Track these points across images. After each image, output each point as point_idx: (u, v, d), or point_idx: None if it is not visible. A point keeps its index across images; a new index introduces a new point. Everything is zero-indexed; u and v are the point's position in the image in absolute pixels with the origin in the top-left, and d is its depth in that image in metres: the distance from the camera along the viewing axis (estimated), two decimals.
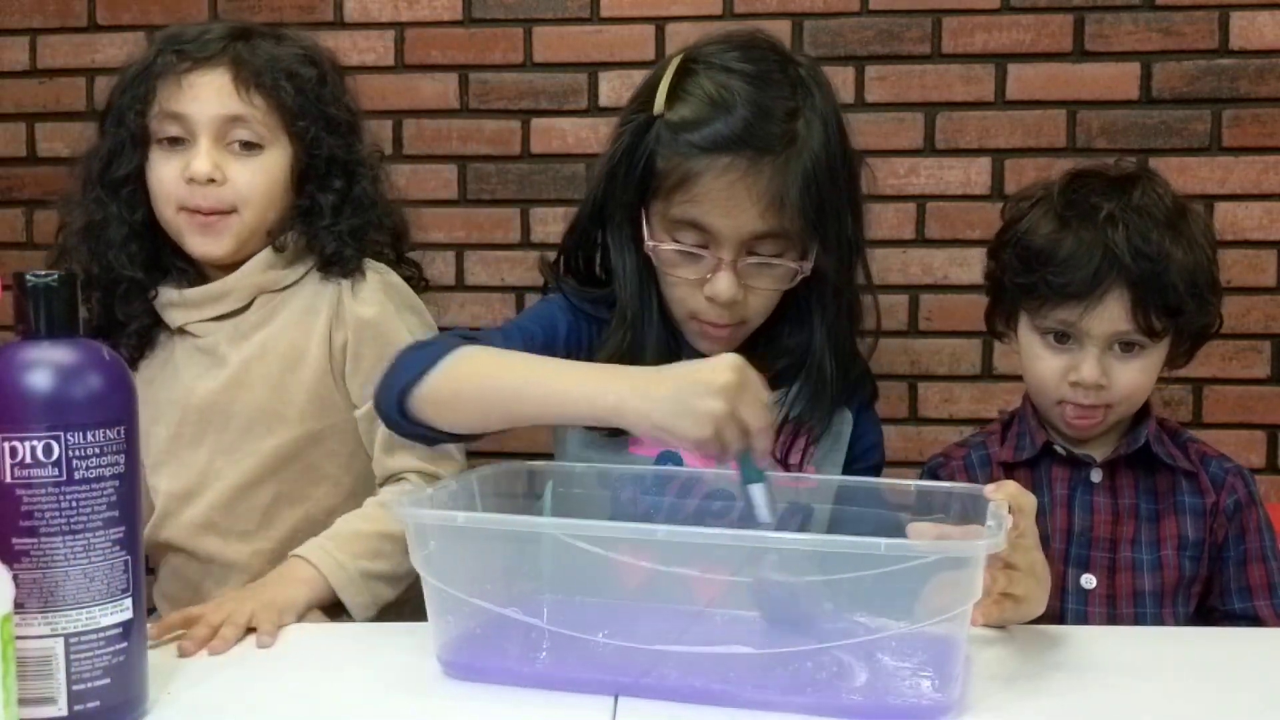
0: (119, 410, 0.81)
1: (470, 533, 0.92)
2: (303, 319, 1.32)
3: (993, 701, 0.89)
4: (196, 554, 1.32)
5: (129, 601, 0.82)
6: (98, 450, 0.79)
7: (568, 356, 1.21)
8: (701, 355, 1.24)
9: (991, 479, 1.08)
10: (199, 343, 1.33)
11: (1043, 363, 1.30)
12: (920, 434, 2.02)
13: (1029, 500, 0.98)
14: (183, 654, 0.98)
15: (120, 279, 1.31)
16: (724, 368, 0.95)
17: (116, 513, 0.80)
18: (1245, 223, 1.95)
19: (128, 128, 1.29)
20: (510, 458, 1.16)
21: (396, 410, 1.09)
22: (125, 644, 0.81)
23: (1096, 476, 1.33)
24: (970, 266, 1.95)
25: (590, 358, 1.20)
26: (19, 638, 0.76)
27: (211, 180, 1.27)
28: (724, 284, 1.15)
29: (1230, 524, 1.31)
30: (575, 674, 0.91)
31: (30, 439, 0.77)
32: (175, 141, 1.29)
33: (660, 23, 2.01)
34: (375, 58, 2.06)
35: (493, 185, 2.07)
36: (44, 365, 0.79)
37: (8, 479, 0.77)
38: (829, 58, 1.94)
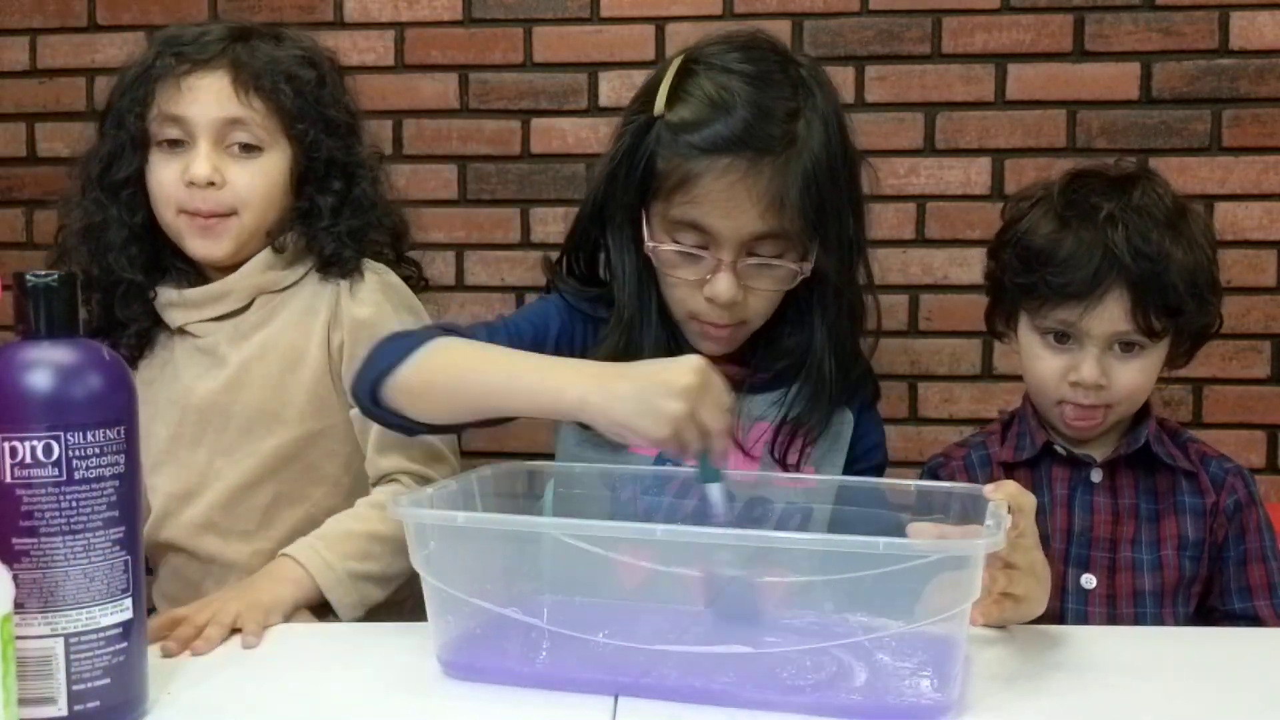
0: (119, 410, 0.81)
1: (470, 533, 0.92)
2: (302, 320, 1.32)
3: (992, 701, 0.89)
4: (197, 554, 1.32)
5: (129, 601, 0.82)
6: (98, 450, 0.79)
7: (557, 355, 1.21)
8: (704, 357, 1.24)
9: (991, 479, 1.08)
10: (199, 343, 1.33)
11: (1043, 363, 1.30)
12: (920, 434, 2.02)
13: (1028, 500, 0.98)
14: (166, 654, 0.98)
15: (120, 281, 1.31)
16: (686, 369, 0.96)
17: (116, 513, 0.80)
18: (1245, 223, 1.95)
19: (127, 130, 1.29)
20: (510, 458, 1.16)
21: (370, 399, 1.11)
22: (125, 644, 0.81)
23: (1096, 476, 1.33)
24: (970, 266, 1.95)
25: (585, 358, 1.20)
26: (19, 638, 0.76)
27: (211, 183, 1.27)
28: (724, 285, 1.15)
29: (1230, 524, 1.31)
30: (575, 674, 0.91)
31: (30, 439, 0.77)
32: (175, 144, 1.29)
33: (660, 23, 2.01)
34: (375, 58, 2.06)
35: (493, 185, 2.07)
36: (44, 365, 0.79)
37: (8, 479, 0.77)
38: (829, 58, 1.94)
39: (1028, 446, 1.35)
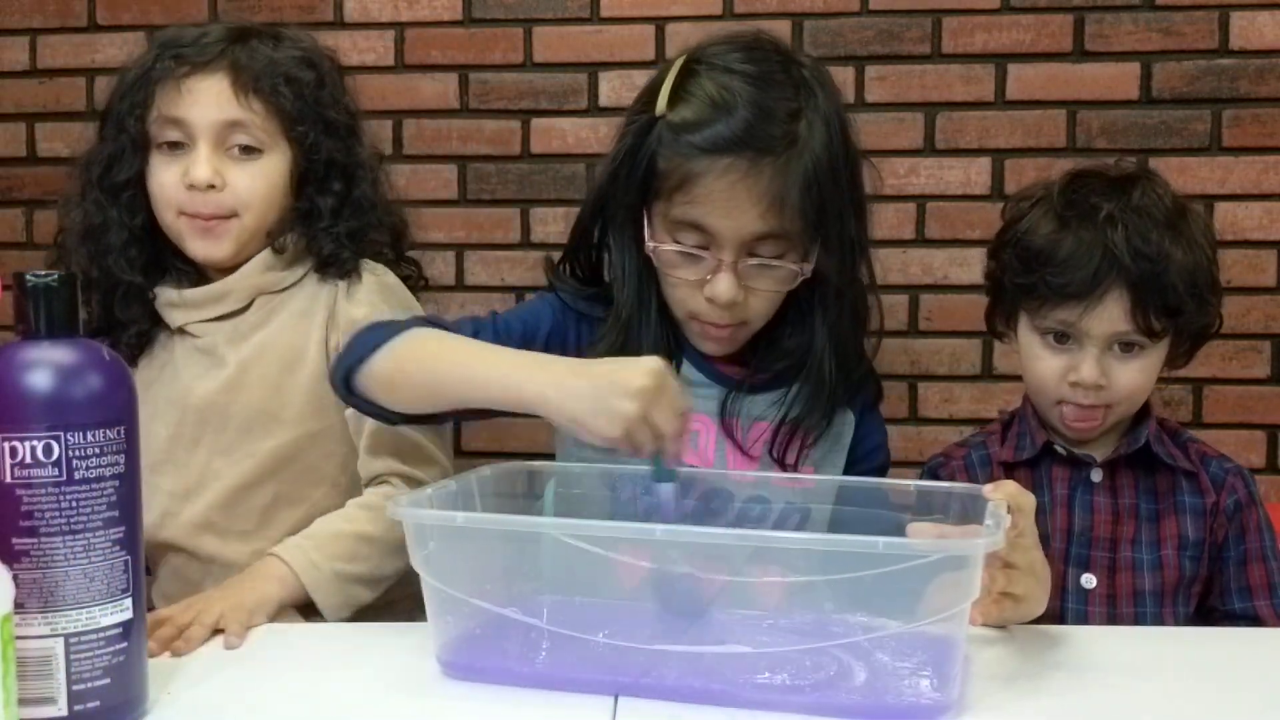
0: (119, 410, 0.81)
1: (470, 533, 0.92)
2: (301, 320, 1.32)
3: (992, 701, 0.89)
4: (196, 554, 1.32)
5: (129, 601, 0.82)
6: (98, 450, 0.79)
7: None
8: (703, 356, 1.25)
9: (992, 479, 1.08)
10: (198, 343, 1.33)
11: (1042, 363, 1.30)
12: (920, 434, 2.02)
13: (1028, 500, 0.98)
14: (148, 654, 0.98)
15: (119, 282, 1.32)
16: (642, 371, 0.97)
17: (116, 513, 0.80)
18: (1245, 223, 1.95)
19: (128, 133, 1.30)
20: (510, 458, 1.16)
21: (344, 386, 1.14)
22: (125, 644, 0.81)
23: (1097, 476, 1.33)
24: (970, 266, 1.95)
25: (581, 358, 1.20)
26: (19, 638, 0.76)
27: (211, 186, 1.28)
28: (724, 285, 1.15)
29: (1230, 524, 1.31)
30: (575, 674, 0.91)
31: (30, 439, 0.77)
32: (175, 146, 1.29)
33: (660, 23, 2.01)
34: (375, 58, 2.06)
35: (493, 185, 2.07)
36: (44, 365, 0.79)
37: (8, 479, 0.77)
38: (829, 58, 1.94)
39: (1028, 446, 1.35)
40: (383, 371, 1.11)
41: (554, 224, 2.04)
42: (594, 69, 2.02)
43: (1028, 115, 1.97)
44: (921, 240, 2.01)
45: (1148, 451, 1.31)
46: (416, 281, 1.45)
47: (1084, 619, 1.29)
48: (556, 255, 1.32)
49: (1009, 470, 1.35)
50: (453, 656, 0.94)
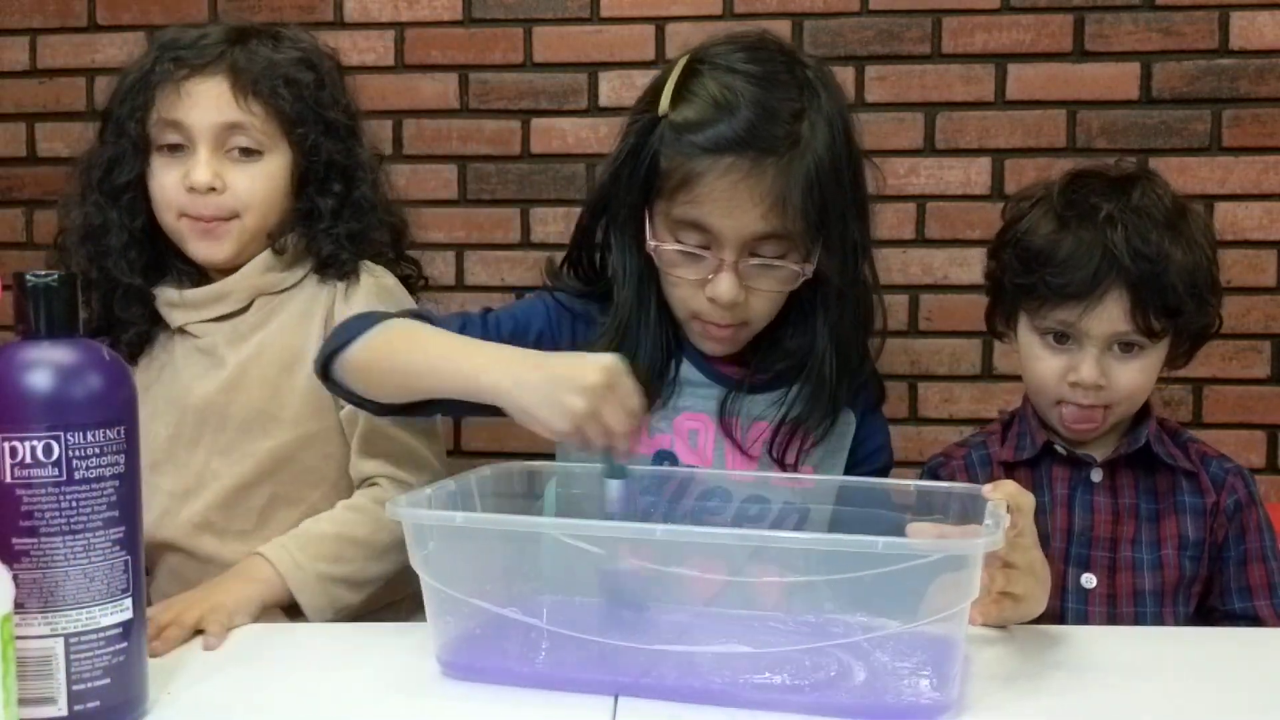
0: (119, 410, 0.81)
1: (469, 533, 0.92)
2: (300, 322, 1.32)
3: (992, 701, 0.89)
4: (194, 554, 1.32)
5: (129, 601, 0.82)
6: (98, 450, 0.79)
7: None
8: (703, 355, 1.24)
9: (992, 479, 1.08)
10: (198, 343, 1.33)
11: (1042, 363, 1.30)
12: (920, 434, 2.02)
13: (1027, 499, 0.98)
14: None
15: (119, 285, 1.32)
16: (595, 368, 0.98)
17: (116, 513, 0.80)
18: (1245, 223, 1.95)
19: (129, 136, 1.30)
20: (510, 458, 1.16)
21: (323, 373, 1.17)
22: (125, 644, 0.81)
23: (1097, 476, 1.33)
24: (970, 266, 1.95)
25: None
26: (19, 638, 0.76)
27: (212, 189, 1.28)
28: (725, 285, 1.15)
29: (1230, 524, 1.31)
30: (575, 674, 0.91)
31: (30, 439, 0.77)
32: (175, 149, 1.30)
33: (660, 23, 2.01)
34: (375, 58, 2.06)
35: (493, 185, 2.07)
36: (44, 365, 0.79)
37: (8, 479, 0.77)
38: (829, 58, 1.93)
39: (1028, 446, 1.34)
40: (358, 360, 1.13)
41: (554, 224, 2.04)
42: (594, 69, 2.02)
43: (1028, 115, 1.97)
44: (921, 240, 2.01)
45: (1148, 451, 1.31)
46: (416, 281, 1.45)
47: (1084, 619, 1.29)
48: (557, 256, 1.32)
49: (1009, 470, 1.35)
50: (452, 656, 0.94)
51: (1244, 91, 1.93)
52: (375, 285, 1.34)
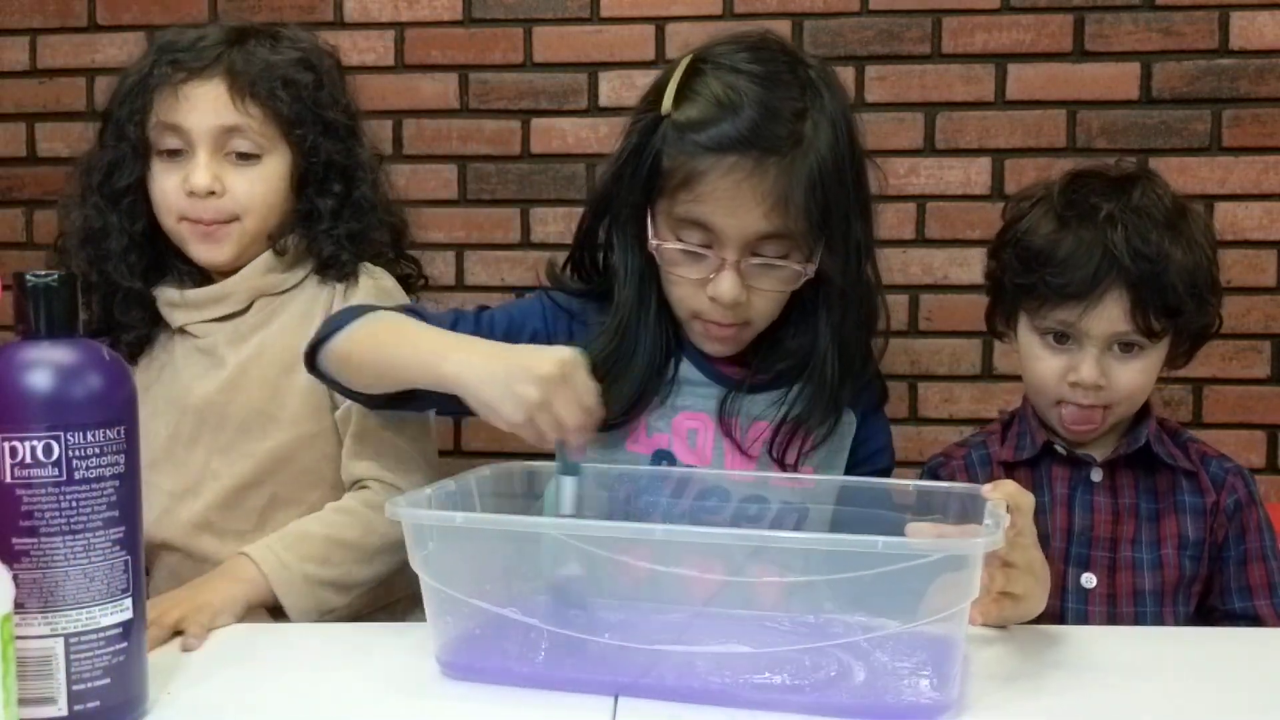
0: (119, 410, 0.81)
1: (469, 533, 0.92)
2: (300, 323, 1.32)
3: (991, 701, 0.89)
4: (193, 554, 1.32)
5: (129, 601, 0.82)
6: (98, 450, 0.79)
7: None
8: (703, 355, 1.24)
9: (992, 478, 1.08)
10: (199, 343, 1.34)
11: (1042, 363, 1.30)
12: (920, 434, 2.02)
13: (1027, 499, 0.98)
14: None
15: (119, 288, 1.32)
16: (549, 359, 1.00)
17: (116, 513, 0.80)
18: (1245, 223, 1.95)
19: (128, 139, 1.30)
20: (510, 458, 1.16)
21: (309, 362, 1.20)
22: (125, 644, 0.81)
23: (1097, 476, 1.33)
24: (970, 266, 1.95)
25: None
26: (19, 638, 0.76)
27: (211, 193, 1.28)
28: (727, 284, 1.15)
29: (1230, 524, 1.32)
30: (575, 674, 0.91)
31: (30, 439, 0.77)
32: (174, 153, 1.30)
33: (660, 23, 2.01)
34: (375, 58, 2.06)
35: (493, 185, 2.07)
36: (44, 365, 0.79)
37: (8, 479, 0.77)
38: (829, 58, 1.92)
39: (1028, 446, 1.34)
40: (341, 349, 1.16)
41: (554, 224, 2.04)
42: (594, 69, 2.02)
43: (1028, 115, 1.97)
44: (921, 240, 2.01)
45: (1148, 451, 1.31)
46: (416, 281, 1.44)
47: (1084, 619, 1.29)
48: (558, 257, 1.31)
49: (1009, 470, 1.35)
50: (452, 656, 0.94)
51: (1244, 91, 1.93)
52: (374, 287, 1.34)
